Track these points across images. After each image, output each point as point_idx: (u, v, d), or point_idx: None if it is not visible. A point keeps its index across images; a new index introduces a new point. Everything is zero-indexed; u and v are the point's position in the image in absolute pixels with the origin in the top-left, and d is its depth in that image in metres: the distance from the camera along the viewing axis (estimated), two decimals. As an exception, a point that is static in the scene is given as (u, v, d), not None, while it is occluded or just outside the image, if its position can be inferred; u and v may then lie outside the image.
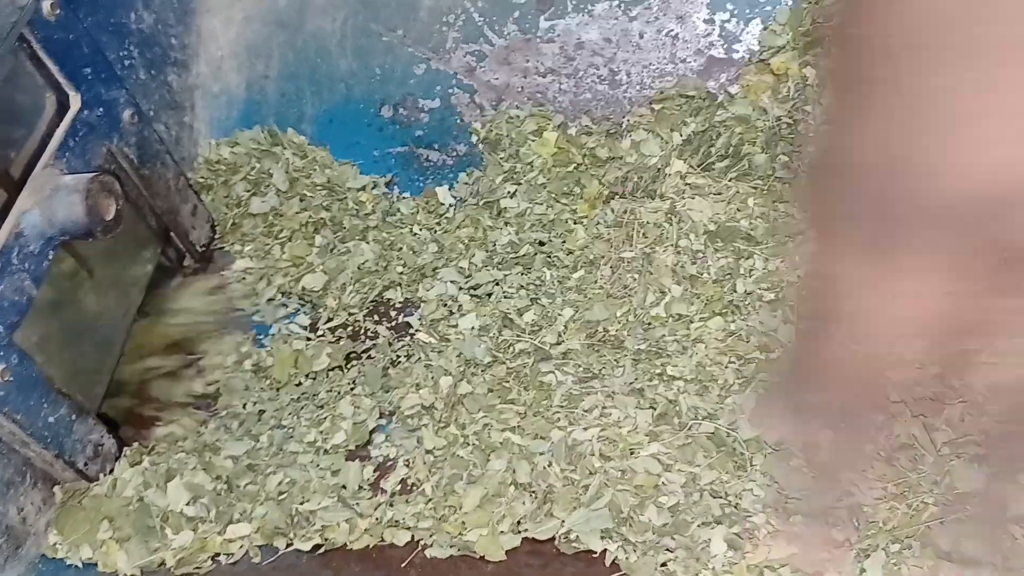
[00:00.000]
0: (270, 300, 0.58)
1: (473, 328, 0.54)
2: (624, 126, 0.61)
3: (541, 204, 0.58)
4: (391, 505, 0.48)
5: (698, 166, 0.57)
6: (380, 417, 0.52)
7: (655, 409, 0.48)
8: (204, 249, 0.62)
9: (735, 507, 0.44)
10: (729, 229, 0.53)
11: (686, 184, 0.55)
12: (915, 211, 0.27)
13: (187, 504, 0.49)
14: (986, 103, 0.26)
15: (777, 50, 0.59)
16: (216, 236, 0.62)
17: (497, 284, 0.56)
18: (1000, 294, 0.28)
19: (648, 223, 0.54)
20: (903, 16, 0.27)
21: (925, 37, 0.27)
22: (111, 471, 0.52)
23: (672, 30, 0.63)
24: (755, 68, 0.59)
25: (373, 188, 0.63)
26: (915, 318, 0.29)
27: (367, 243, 0.60)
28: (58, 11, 0.49)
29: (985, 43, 0.26)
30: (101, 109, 0.52)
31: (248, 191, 0.62)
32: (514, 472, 0.47)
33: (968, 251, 0.28)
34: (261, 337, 0.58)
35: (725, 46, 0.62)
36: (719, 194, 0.54)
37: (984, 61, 0.26)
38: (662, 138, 0.59)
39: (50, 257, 0.48)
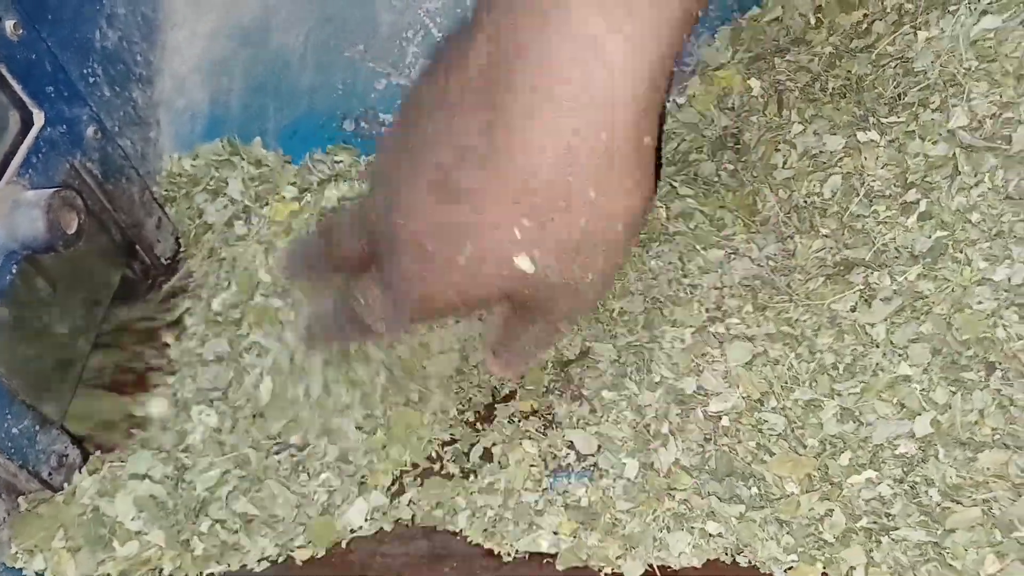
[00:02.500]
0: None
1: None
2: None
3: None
4: None
5: None
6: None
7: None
8: (169, 262, 0.63)
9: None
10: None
11: None
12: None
13: (132, 519, 0.49)
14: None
15: (720, 66, 0.61)
16: (181, 248, 0.63)
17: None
18: None
19: None
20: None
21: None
22: (75, 480, 0.53)
23: (625, 44, 0.64)
24: (700, 80, 0.61)
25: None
26: None
27: None
28: (20, 31, 0.50)
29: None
30: (64, 126, 0.53)
31: (207, 201, 0.63)
32: None
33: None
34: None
35: (676, 60, 0.64)
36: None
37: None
38: None
39: (13, 271, 0.49)
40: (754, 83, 0.60)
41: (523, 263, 0.32)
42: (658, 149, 0.32)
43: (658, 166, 0.33)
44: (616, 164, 0.30)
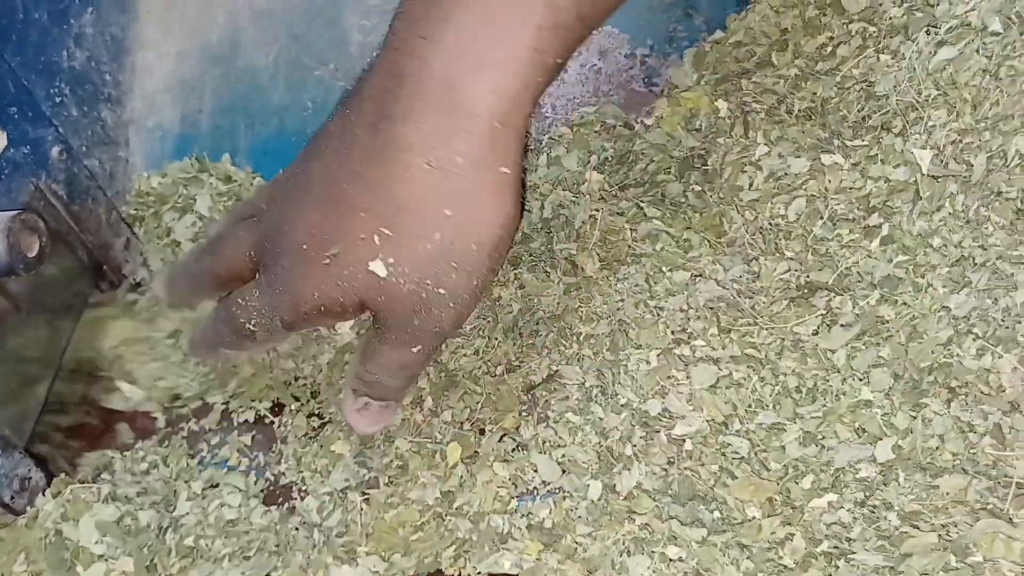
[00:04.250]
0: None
1: None
2: (543, 143, 0.64)
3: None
4: None
5: (616, 185, 0.59)
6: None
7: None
8: (138, 282, 0.63)
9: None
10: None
11: (600, 197, 0.58)
12: None
13: (95, 542, 0.49)
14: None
15: (688, 87, 0.61)
16: (150, 268, 0.63)
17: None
18: None
19: None
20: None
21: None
22: (37, 504, 0.52)
23: (595, 64, 0.65)
24: (667, 101, 0.61)
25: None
26: None
27: None
28: (-17, 53, 0.50)
29: None
30: (28, 147, 0.53)
31: (175, 220, 0.63)
32: None
33: None
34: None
35: (645, 79, 0.65)
36: (621, 214, 0.57)
37: None
38: (579, 158, 0.61)
39: (-26, 294, 0.49)
40: (721, 104, 0.60)
41: (377, 267, 0.36)
42: (523, 181, 0.37)
43: (523, 198, 0.37)
44: (471, 188, 0.35)
